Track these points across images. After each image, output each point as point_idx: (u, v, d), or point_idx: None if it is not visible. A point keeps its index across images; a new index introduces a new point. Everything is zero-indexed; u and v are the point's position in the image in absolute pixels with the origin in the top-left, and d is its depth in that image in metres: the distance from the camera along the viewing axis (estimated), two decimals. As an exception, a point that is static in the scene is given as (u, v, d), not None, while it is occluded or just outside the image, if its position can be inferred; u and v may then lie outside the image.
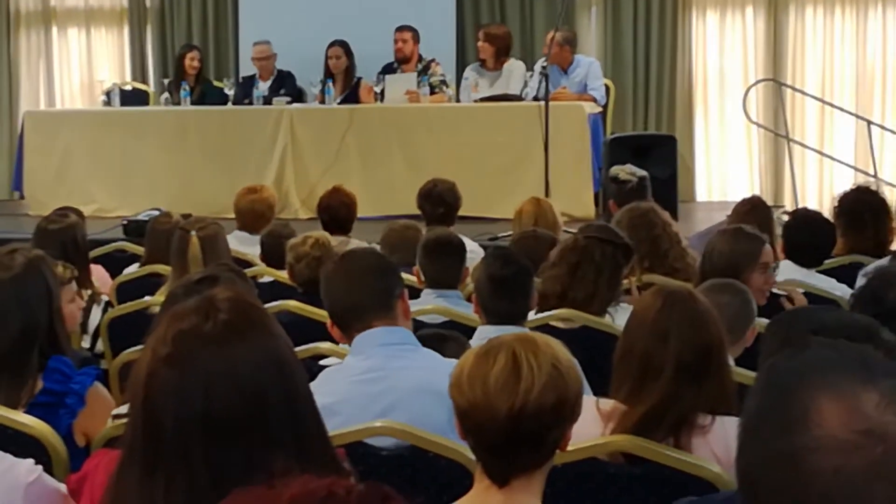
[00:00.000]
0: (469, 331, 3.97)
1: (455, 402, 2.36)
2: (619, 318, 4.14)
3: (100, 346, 4.85)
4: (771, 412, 1.35)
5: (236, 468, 1.71)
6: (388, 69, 9.67)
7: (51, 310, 3.18)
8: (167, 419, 1.74)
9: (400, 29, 9.70)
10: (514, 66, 9.44)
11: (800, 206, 9.54)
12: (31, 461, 2.16)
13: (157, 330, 1.82)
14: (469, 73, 9.55)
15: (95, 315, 4.97)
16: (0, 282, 3.11)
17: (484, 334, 3.71)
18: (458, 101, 9.41)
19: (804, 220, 5.53)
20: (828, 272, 5.22)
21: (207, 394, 1.73)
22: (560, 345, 2.41)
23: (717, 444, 2.79)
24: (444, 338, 3.55)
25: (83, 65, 12.24)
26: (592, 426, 2.85)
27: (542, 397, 2.29)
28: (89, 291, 4.97)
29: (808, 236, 5.29)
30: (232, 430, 1.73)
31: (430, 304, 4.44)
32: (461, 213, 6.68)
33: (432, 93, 9.30)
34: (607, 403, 2.90)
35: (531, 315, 4.22)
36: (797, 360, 1.38)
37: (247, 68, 10.63)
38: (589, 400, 2.84)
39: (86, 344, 4.87)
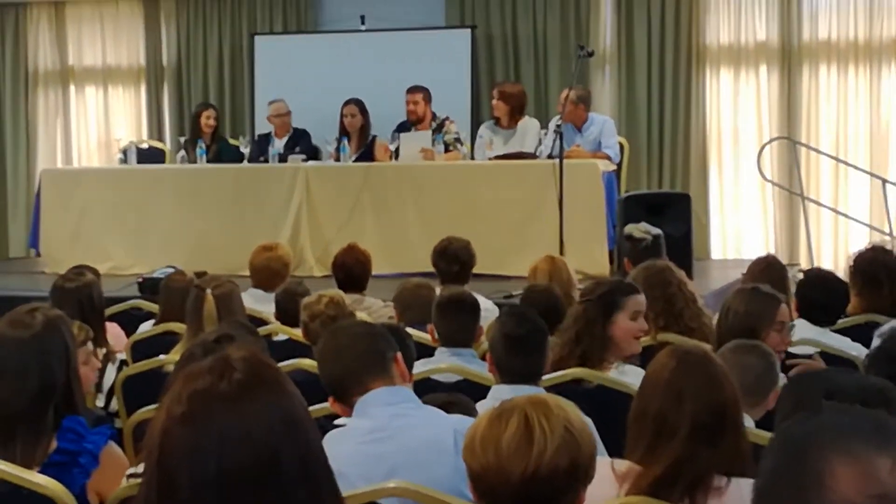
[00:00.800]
0: (483, 390, 3.96)
1: (468, 465, 2.35)
2: (628, 377, 4.15)
3: (114, 404, 4.85)
4: (785, 475, 1.36)
5: None
6: (402, 127, 9.71)
7: (68, 369, 3.19)
8: (181, 478, 1.73)
9: (411, 90, 9.75)
10: (528, 124, 9.47)
11: (815, 264, 9.55)
12: None
13: (171, 389, 1.82)
14: (483, 130, 9.59)
15: (110, 374, 4.97)
16: (20, 340, 3.11)
17: (498, 394, 3.70)
18: (472, 158, 9.44)
19: (817, 279, 5.53)
20: (843, 331, 5.20)
21: (221, 453, 1.73)
22: (573, 407, 2.41)
23: (732, 505, 2.77)
24: (449, 403, 3.54)
25: (100, 123, 12.35)
26: (608, 487, 2.83)
27: (555, 460, 2.28)
28: (104, 350, 4.97)
29: (821, 295, 5.28)
30: (246, 488, 1.73)
31: (445, 363, 4.44)
32: (475, 270, 6.68)
33: (447, 150, 9.33)
34: (622, 464, 2.88)
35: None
36: (811, 424, 1.39)
37: (262, 126, 10.70)
38: (604, 461, 2.83)
39: (100, 403, 4.87)
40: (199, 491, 1.73)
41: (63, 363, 3.16)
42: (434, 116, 9.72)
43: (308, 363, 4.40)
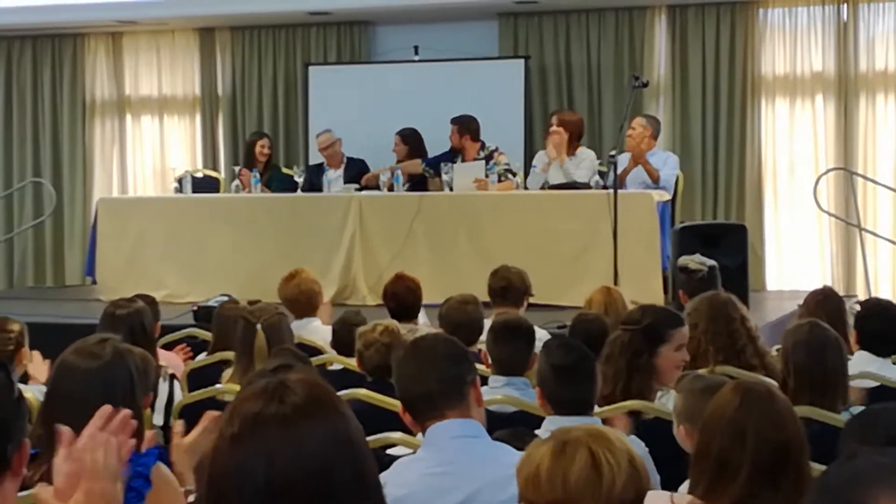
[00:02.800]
0: (539, 420, 3.93)
1: (529, 501, 2.31)
2: (671, 404, 4.11)
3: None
4: None
5: None
6: (433, 160, 9.73)
7: (133, 400, 3.19)
8: (230, 495, 1.75)
9: (452, 120, 9.80)
10: (584, 154, 9.42)
11: (872, 295, 9.42)
12: None
13: (225, 412, 1.85)
14: (539, 158, 9.55)
15: (163, 390, 4.99)
16: (88, 370, 3.12)
17: (552, 426, 3.67)
18: (525, 188, 9.42)
19: (876, 308, 5.46)
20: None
21: (270, 469, 1.75)
22: (629, 440, 2.38)
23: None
24: (522, 438, 3.50)
25: (156, 152, 12.46)
26: (667, 522, 2.80)
27: (623, 495, 2.26)
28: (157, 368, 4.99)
29: (882, 325, 5.21)
30: None
31: (500, 394, 4.41)
32: (531, 300, 6.65)
33: (499, 181, 9.32)
34: (683, 499, 2.85)
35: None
36: (849, 466, 1.42)
37: (316, 156, 10.74)
38: (663, 495, 2.80)
39: (158, 421, 4.87)
40: None
41: (128, 395, 3.16)
42: (483, 146, 9.71)
43: (363, 393, 4.39)
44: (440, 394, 3.18)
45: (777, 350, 4.71)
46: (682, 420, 3.48)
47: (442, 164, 9.46)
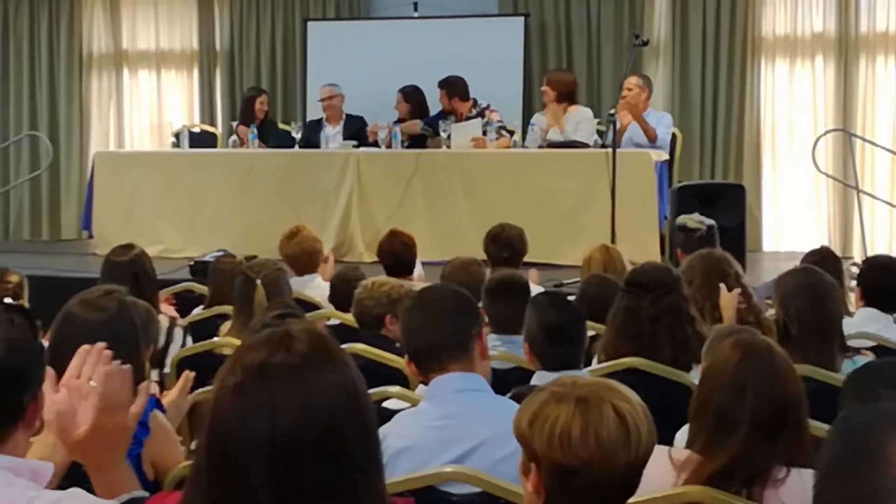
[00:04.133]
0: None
1: (558, 462, 2.25)
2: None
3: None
4: (847, 458, 1.37)
5: (305, 495, 1.70)
6: (438, 118, 9.73)
7: (137, 353, 3.19)
8: (232, 445, 1.72)
9: (439, 84, 9.77)
10: (580, 114, 9.38)
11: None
12: (114, 502, 2.16)
13: (226, 362, 1.81)
14: (537, 118, 9.52)
15: (177, 337, 4.98)
16: (94, 322, 3.11)
17: (543, 380, 3.68)
18: (524, 146, 9.39)
19: (882, 262, 5.49)
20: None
21: (275, 420, 1.71)
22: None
23: (790, 497, 2.73)
24: (520, 395, 3.50)
25: (153, 107, 12.41)
26: (665, 475, 2.81)
27: (649, 447, 2.28)
28: (163, 318, 4.99)
29: (886, 278, 5.22)
30: (302, 457, 1.71)
31: (496, 351, 4.40)
32: (527, 258, 6.65)
33: (496, 138, 9.30)
34: (681, 453, 2.86)
35: (595, 364, 4.21)
36: (871, 411, 1.41)
37: (314, 112, 10.71)
38: (662, 449, 2.80)
39: (168, 370, 4.85)
40: (250, 458, 1.70)
41: (133, 347, 3.16)
42: (475, 104, 9.68)
43: (360, 347, 4.40)
44: (444, 347, 3.18)
45: (769, 303, 4.71)
46: None
47: (440, 122, 9.43)
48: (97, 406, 2.20)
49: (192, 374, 3.70)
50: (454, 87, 9.69)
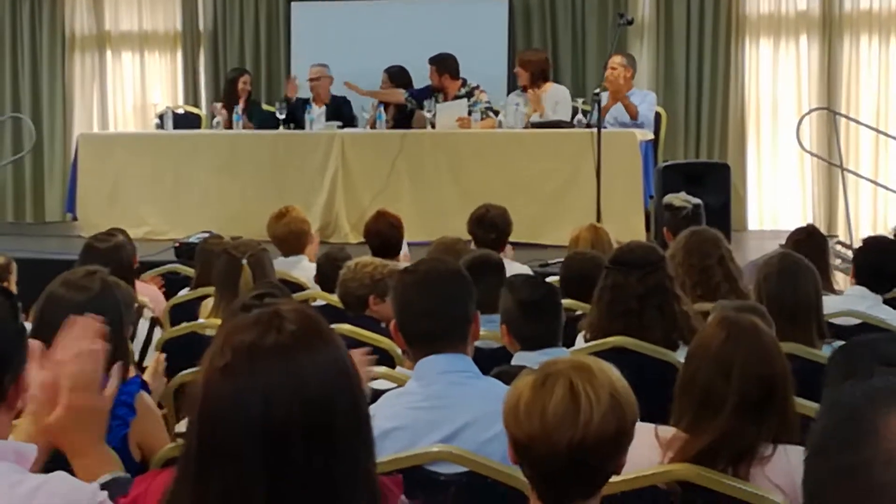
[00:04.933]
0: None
1: (511, 433, 2.32)
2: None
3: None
4: (839, 430, 1.37)
5: (297, 477, 1.69)
6: (417, 94, 9.70)
7: (120, 333, 3.18)
8: (222, 428, 1.70)
9: (430, 60, 9.74)
10: (555, 93, 9.37)
11: (853, 235, 9.46)
12: (95, 485, 2.14)
13: (214, 342, 1.79)
14: (512, 98, 9.52)
15: (142, 329, 4.97)
16: (77, 303, 3.08)
17: (522, 360, 3.68)
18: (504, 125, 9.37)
19: (877, 242, 5.54)
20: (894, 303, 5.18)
21: (266, 401, 1.69)
22: (615, 371, 2.37)
23: (776, 474, 2.75)
24: (505, 374, 3.49)
25: (136, 88, 12.36)
26: (650, 453, 2.81)
27: (602, 428, 2.25)
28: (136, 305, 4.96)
29: (879, 258, 5.25)
30: (294, 438, 1.69)
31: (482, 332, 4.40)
32: (512, 239, 6.65)
33: (481, 119, 9.29)
34: (667, 431, 2.86)
35: (581, 343, 4.20)
36: (865, 385, 1.40)
37: (301, 91, 10.66)
38: (647, 427, 2.81)
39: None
40: (242, 441, 1.69)
41: (117, 327, 3.15)
42: (464, 84, 9.66)
43: (347, 328, 4.39)
44: (443, 334, 3.14)
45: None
46: None
47: (425, 102, 9.41)
48: (68, 386, 2.18)
49: (163, 355, 3.69)
50: (444, 64, 9.67)
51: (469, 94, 9.52)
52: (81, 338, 2.21)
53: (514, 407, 2.31)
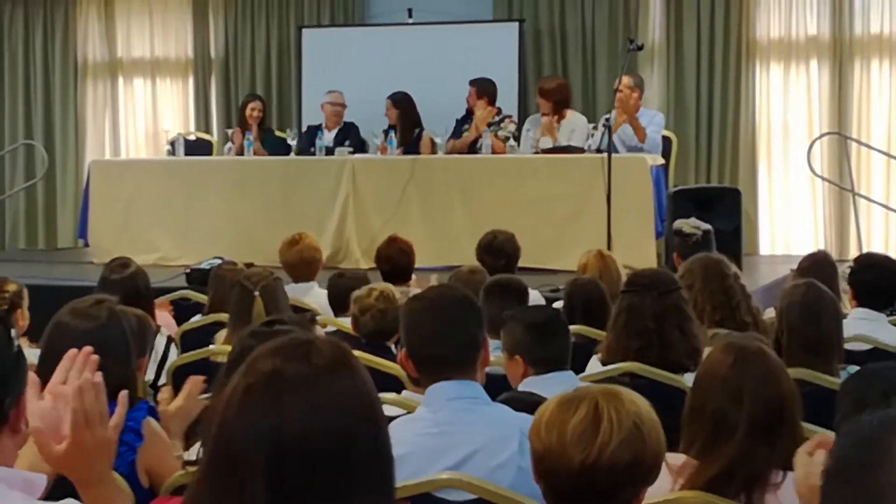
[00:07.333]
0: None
1: (532, 445, 2.35)
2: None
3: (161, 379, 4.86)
4: (855, 456, 1.39)
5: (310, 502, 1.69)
6: (463, 121, 9.73)
7: (128, 362, 3.18)
8: (236, 449, 1.69)
9: (470, 82, 9.78)
10: (574, 121, 9.40)
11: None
12: None
13: (242, 366, 1.77)
14: (530, 124, 9.55)
15: (159, 344, 4.99)
16: (84, 331, 3.09)
17: (530, 386, 3.70)
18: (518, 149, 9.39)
19: (869, 260, 5.52)
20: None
21: (282, 427, 1.68)
22: (646, 403, 2.38)
23: (789, 500, 2.73)
24: (517, 401, 3.49)
25: (148, 115, 12.42)
26: (661, 481, 2.80)
27: (618, 454, 2.26)
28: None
29: (874, 276, 5.23)
30: (308, 469, 1.68)
31: (493, 356, 4.40)
32: (521, 264, 6.66)
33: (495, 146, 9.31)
34: (677, 458, 2.85)
35: (595, 365, 4.20)
36: (881, 414, 1.42)
37: (310, 118, 10.70)
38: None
39: (149, 376, 4.86)
40: (256, 466, 1.67)
41: (122, 357, 3.16)
42: (499, 112, 9.70)
43: (358, 355, 4.37)
44: (452, 360, 3.15)
45: (773, 311, 4.71)
46: None
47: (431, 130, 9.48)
48: (72, 422, 2.17)
49: (200, 378, 3.68)
50: (484, 89, 9.73)
51: (499, 123, 9.55)
52: (81, 371, 2.21)
53: (539, 419, 2.35)
